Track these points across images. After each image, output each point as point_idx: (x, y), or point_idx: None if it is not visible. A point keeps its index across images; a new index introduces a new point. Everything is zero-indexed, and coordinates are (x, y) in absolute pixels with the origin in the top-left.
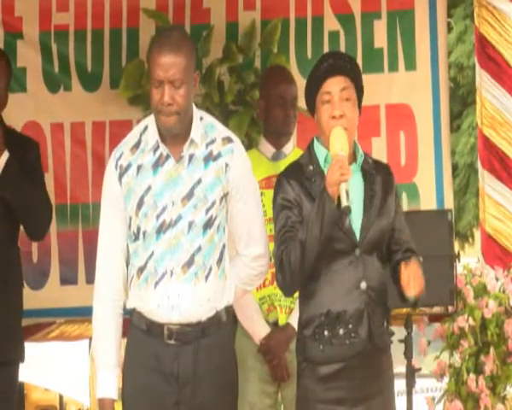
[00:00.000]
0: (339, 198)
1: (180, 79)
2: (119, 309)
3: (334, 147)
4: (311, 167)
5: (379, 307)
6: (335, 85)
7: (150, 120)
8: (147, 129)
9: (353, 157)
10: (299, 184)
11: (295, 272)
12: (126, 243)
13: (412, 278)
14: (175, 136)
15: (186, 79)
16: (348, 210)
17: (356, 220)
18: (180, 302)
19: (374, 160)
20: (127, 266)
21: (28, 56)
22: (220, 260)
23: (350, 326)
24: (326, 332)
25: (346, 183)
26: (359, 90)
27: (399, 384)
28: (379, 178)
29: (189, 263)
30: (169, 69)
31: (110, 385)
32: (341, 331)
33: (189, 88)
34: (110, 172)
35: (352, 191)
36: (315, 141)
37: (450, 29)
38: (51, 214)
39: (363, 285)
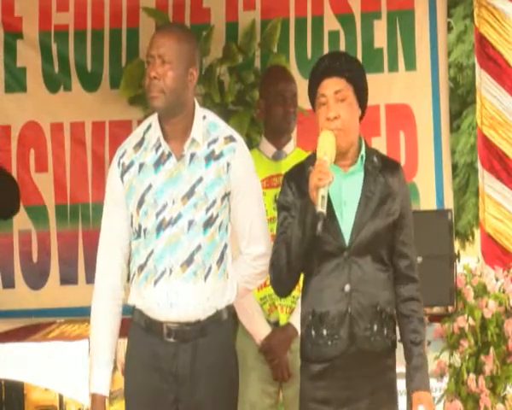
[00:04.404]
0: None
1: (169, 56)
2: (117, 307)
3: (319, 151)
4: (311, 168)
5: (367, 310)
6: (329, 88)
7: (154, 119)
8: (150, 127)
9: (357, 156)
10: (296, 185)
11: (282, 272)
12: (128, 240)
13: None
14: (176, 134)
15: (176, 60)
16: (321, 216)
17: (348, 222)
18: (179, 300)
19: (383, 158)
20: (130, 263)
21: (28, 56)
22: (221, 259)
23: (332, 328)
24: (313, 332)
25: (324, 188)
26: (360, 90)
27: (399, 384)
28: (382, 178)
29: (189, 262)
30: (160, 46)
31: (102, 382)
32: (325, 332)
33: (180, 73)
34: (113, 170)
35: (349, 192)
36: None
37: (449, 29)
38: (18, 191)
39: (347, 288)
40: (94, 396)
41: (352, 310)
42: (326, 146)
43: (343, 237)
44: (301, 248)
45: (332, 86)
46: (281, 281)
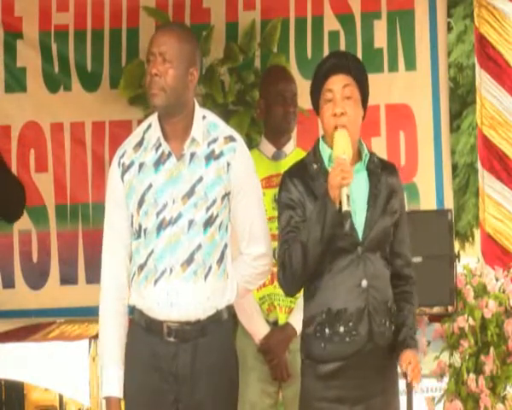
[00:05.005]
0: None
1: (170, 55)
2: (122, 307)
3: (337, 150)
4: (315, 166)
5: (381, 305)
6: (337, 83)
7: (154, 119)
8: (150, 127)
9: (358, 156)
10: (302, 184)
11: (297, 272)
12: (130, 240)
13: (410, 369)
14: (176, 133)
15: (177, 59)
16: (348, 215)
17: (359, 219)
18: (179, 300)
19: (380, 159)
20: (130, 263)
21: (28, 56)
22: (221, 259)
23: (350, 324)
24: (327, 330)
25: (347, 187)
26: (363, 90)
27: (399, 384)
28: (384, 177)
29: (189, 261)
30: (161, 45)
31: (114, 384)
32: (342, 329)
33: (181, 72)
34: (113, 170)
35: (356, 190)
36: (320, 140)
37: (449, 29)
38: (24, 195)
39: (364, 283)
40: (108, 400)
41: (369, 306)
42: (344, 145)
43: (357, 233)
44: (319, 248)
45: (340, 82)
46: (294, 281)
